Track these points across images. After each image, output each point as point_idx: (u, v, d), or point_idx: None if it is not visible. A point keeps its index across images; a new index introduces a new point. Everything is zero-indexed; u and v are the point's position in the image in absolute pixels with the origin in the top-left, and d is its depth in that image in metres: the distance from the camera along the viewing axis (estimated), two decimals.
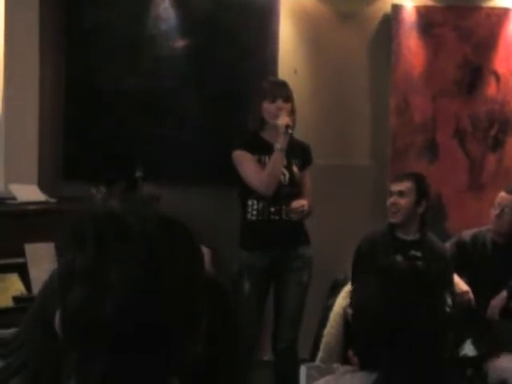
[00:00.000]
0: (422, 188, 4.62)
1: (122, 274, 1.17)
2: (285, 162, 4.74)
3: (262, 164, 4.69)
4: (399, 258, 4.48)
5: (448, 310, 4.41)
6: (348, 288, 4.62)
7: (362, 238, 4.72)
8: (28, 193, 4.69)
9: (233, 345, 1.94)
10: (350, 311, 4.33)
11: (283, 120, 4.60)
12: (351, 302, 4.33)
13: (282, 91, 4.72)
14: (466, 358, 4.41)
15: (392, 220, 4.61)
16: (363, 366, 2.25)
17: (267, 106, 4.68)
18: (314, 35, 5.70)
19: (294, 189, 4.75)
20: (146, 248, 1.19)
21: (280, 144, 4.61)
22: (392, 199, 4.61)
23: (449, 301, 4.49)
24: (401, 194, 4.59)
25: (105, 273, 1.17)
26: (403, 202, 4.58)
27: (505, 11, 5.69)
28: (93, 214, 1.24)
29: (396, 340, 2.15)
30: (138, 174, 4.64)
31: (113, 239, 1.19)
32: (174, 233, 1.23)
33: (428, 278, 2.34)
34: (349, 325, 4.38)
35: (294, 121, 4.76)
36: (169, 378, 1.25)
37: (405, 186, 4.60)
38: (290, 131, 4.62)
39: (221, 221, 5.40)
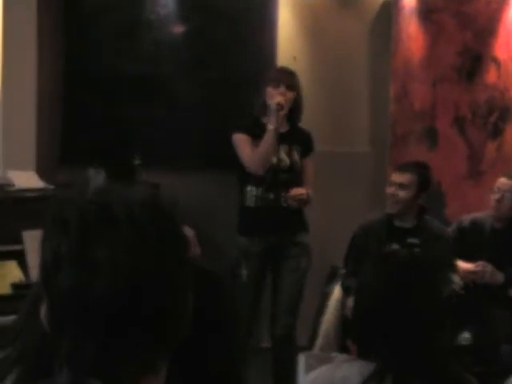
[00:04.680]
0: (423, 181, 4.55)
1: (109, 256, 1.18)
2: (286, 149, 4.75)
3: None
4: (395, 246, 4.48)
5: (456, 288, 4.42)
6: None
7: (358, 226, 4.70)
8: (26, 179, 4.68)
9: (229, 331, 1.93)
10: (348, 303, 4.35)
11: (275, 99, 4.62)
12: (345, 291, 4.38)
13: (286, 78, 4.74)
14: (463, 347, 4.41)
15: (389, 210, 4.59)
16: (362, 355, 2.25)
17: (271, 91, 4.70)
18: (313, 21, 5.67)
19: (293, 176, 4.75)
20: (130, 229, 1.20)
21: (271, 124, 4.62)
22: (391, 190, 4.56)
23: (456, 278, 4.49)
24: (401, 186, 4.53)
25: (92, 255, 1.18)
26: (402, 194, 4.52)
27: None
28: (75, 199, 1.25)
29: (395, 329, 2.15)
30: (137, 161, 4.64)
31: (96, 222, 1.20)
32: (157, 214, 1.25)
33: (428, 268, 2.34)
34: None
35: (299, 110, 4.79)
36: (158, 358, 1.26)
37: (406, 178, 4.52)
38: (281, 112, 4.62)
39: (221, 207, 5.39)
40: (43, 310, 1.23)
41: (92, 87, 5.51)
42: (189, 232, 2.63)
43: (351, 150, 5.78)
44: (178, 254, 1.27)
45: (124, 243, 1.19)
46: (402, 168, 4.64)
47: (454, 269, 4.57)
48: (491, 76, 5.68)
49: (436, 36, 5.66)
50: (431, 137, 5.71)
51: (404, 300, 2.18)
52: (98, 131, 5.47)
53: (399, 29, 5.63)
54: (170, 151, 5.53)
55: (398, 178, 4.56)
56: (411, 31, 5.64)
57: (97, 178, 4.07)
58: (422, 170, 4.60)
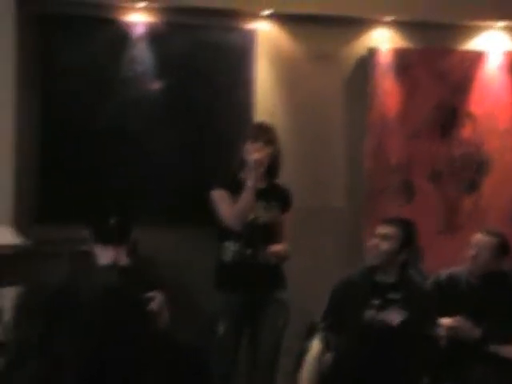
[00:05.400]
0: (407, 237, 4.58)
1: (71, 348, 1.19)
2: (263, 205, 4.77)
3: None
4: (376, 301, 4.47)
5: (441, 342, 4.41)
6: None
7: (339, 280, 4.69)
8: (2, 235, 4.66)
9: None
10: (325, 360, 4.33)
11: (253, 156, 4.65)
12: (326, 345, 4.36)
13: (264, 134, 4.77)
14: None
15: (369, 262, 4.59)
16: None
17: (249, 147, 4.73)
18: (290, 77, 5.72)
19: (271, 232, 4.75)
20: (95, 323, 1.21)
21: (250, 180, 4.64)
22: (374, 241, 4.59)
23: (441, 331, 4.48)
24: (385, 237, 4.55)
25: (55, 347, 1.19)
26: (385, 245, 4.54)
27: (478, 55, 5.75)
28: (42, 289, 1.26)
29: None
30: (113, 220, 4.61)
31: (61, 315, 1.21)
32: (121, 300, 1.27)
33: (403, 337, 2.34)
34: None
35: (277, 165, 4.83)
36: None
37: (391, 230, 4.55)
38: (259, 168, 4.65)
39: (198, 262, 5.38)
40: None
41: (70, 143, 5.50)
42: (158, 297, 2.63)
43: (327, 204, 5.79)
44: (144, 334, 1.28)
45: (88, 336, 1.20)
46: (387, 221, 4.68)
47: (438, 324, 4.57)
48: (466, 131, 5.75)
49: (411, 91, 5.72)
50: (407, 191, 5.74)
51: (380, 370, 2.18)
52: (76, 187, 5.45)
53: (375, 84, 5.68)
54: (147, 206, 5.52)
55: (382, 229, 4.58)
56: (387, 87, 5.69)
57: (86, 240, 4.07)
58: (406, 226, 4.63)
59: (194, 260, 5.42)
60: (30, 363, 1.16)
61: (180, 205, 5.53)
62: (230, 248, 4.75)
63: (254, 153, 4.68)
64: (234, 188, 4.73)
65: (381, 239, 4.54)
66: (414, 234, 4.69)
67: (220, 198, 4.77)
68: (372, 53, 5.68)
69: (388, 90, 5.69)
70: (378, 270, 4.58)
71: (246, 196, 4.65)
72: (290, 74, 5.72)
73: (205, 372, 1.99)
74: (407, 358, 2.26)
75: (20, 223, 5.08)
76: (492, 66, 5.77)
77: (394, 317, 4.37)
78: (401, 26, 5.79)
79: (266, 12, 5.58)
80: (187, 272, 5.39)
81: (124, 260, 3.16)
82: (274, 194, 4.84)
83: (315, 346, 4.70)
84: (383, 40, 5.77)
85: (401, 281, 4.56)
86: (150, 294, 2.98)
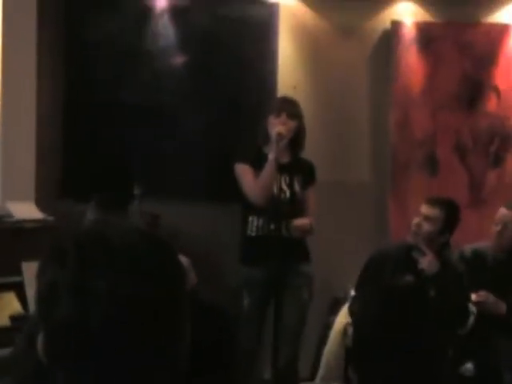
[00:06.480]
0: (450, 221, 4.55)
1: (107, 286, 1.17)
2: (287, 180, 4.75)
3: None
4: (409, 277, 4.43)
5: (473, 318, 4.39)
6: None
7: (375, 251, 4.66)
8: (25, 210, 4.67)
9: (230, 363, 1.92)
10: (350, 329, 4.31)
11: (276, 129, 4.63)
12: (352, 315, 4.34)
13: (288, 107, 4.76)
14: (467, 378, 4.38)
15: (410, 240, 4.57)
16: None
17: (272, 120, 4.72)
18: (313, 50, 5.68)
19: (294, 206, 4.74)
20: (127, 258, 1.20)
21: (272, 153, 4.62)
22: (417, 220, 4.56)
23: (473, 309, 4.46)
24: (427, 218, 4.53)
25: (89, 285, 1.18)
26: (426, 227, 4.52)
27: (504, 27, 5.68)
28: (72, 231, 1.25)
29: (393, 358, 2.12)
30: (137, 191, 4.64)
31: (93, 251, 1.20)
32: (153, 243, 1.26)
33: (430, 298, 2.31)
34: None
35: (301, 139, 4.81)
36: None
37: (433, 212, 4.52)
38: (282, 141, 4.62)
39: (222, 236, 5.38)
40: (40, 341, 1.23)
41: (93, 118, 5.50)
42: (184, 260, 2.63)
43: (352, 178, 5.76)
44: (177, 282, 1.26)
45: (122, 272, 1.19)
46: (431, 201, 4.62)
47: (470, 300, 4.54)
48: (491, 104, 5.69)
49: (436, 64, 5.67)
50: (432, 165, 5.70)
51: (405, 331, 2.15)
52: (98, 162, 5.45)
53: (399, 58, 5.63)
54: (170, 180, 5.52)
55: (425, 210, 4.55)
56: (411, 60, 5.65)
57: (90, 210, 4.07)
58: (450, 209, 4.58)
59: (219, 235, 5.41)
60: (59, 306, 1.14)
61: (205, 179, 5.51)
62: (254, 223, 4.75)
63: (277, 126, 4.66)
64: (258, 162, 4.72)
65: (423, 220, 4.51)
66: (457, 217, 4.63)
67: (243, 173, 4.76)
68: (395, 26, 5.63)
69: (412, 63, 5.65)
70: (417, 248, 4.54)
71: (268, 170, 4.64)
72: (313, 47, 5.68)
73: (231, 329, 1.97)
74: (435, 328, 2.22)
75: (42, 199, 5.09)
76: None
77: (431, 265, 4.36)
78: None
79: None
80: (212, 247, 5.39)
81: None
82: (297, 169, 4.83)
83: (340, 319, 4.69)
84: (407, 13, 5.71)
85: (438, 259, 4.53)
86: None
